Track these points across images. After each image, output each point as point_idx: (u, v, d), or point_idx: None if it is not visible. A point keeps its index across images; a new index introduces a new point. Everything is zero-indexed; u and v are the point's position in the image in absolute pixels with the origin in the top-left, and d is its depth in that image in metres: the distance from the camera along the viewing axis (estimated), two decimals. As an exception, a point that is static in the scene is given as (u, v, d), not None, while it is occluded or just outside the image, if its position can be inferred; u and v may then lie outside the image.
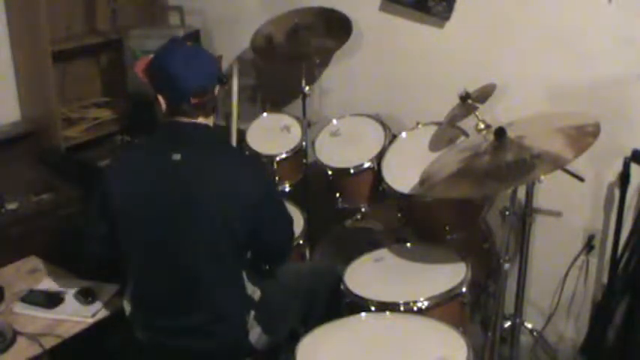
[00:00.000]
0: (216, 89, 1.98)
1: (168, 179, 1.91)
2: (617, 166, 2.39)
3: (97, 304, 2.27)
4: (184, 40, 2.07)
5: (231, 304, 2.02)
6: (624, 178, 2.34)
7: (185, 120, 1.94)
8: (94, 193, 2.01)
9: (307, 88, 2.89)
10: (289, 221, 2.12)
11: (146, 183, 1.94)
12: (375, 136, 2.71)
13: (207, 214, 1.91)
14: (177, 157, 1.91)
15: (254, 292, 2.11)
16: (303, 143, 2.86)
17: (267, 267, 2.17)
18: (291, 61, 2.96)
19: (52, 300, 2.29)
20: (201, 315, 1.98)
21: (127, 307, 2.10)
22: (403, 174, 2.44)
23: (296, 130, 2.93)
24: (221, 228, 1.93)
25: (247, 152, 2.85)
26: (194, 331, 1.99)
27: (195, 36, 3.26)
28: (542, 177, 1.92)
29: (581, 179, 2.28)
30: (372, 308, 2.12)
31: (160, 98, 1.94)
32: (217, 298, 1.99)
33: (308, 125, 2.91)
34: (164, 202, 1.92)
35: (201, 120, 1.96)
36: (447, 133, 2.53)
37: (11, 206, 2.73)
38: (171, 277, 1.96)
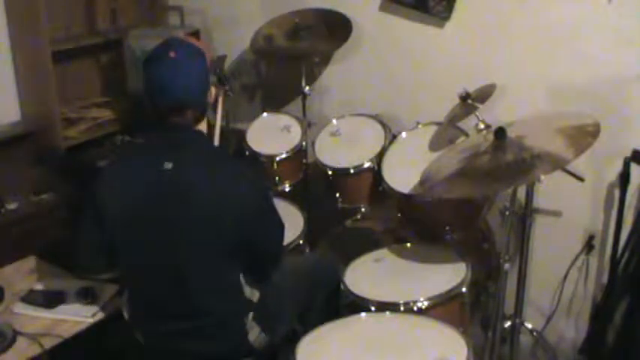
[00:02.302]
0: (210, 94, 1.97)
1: (160, 188, 1.90)
2: (617, 166, 2.39)
3: (97, 304, 2.27)
4: (180, 42, 2.00)
5: (229, 307, 2.01)
6: (624, 178, 2.34)
7: (176, 127, 1.92)
8: (88, 204, 1.99)
9: (307, 88, 2.89)
10: (282, 229, 2.10)
11: (139, 193, 1.92)
12: (375, 136, 2.71)
13: (201, 221, 1.89)
14: (168, 165, 1.89)
15: (252, 294, 2.11)
16: (303, 143, 2.86)
17: (260, 275, 2.13)
18: (291, 61, 2.96)
19: (52, 300, 2.29)
20: (200, 318, 1.97)
21: (126, 312, 2.10)
22: (403, 174, 2.44)
23: (296, 130, 2.93)
24: (216, 235, 1.91)
25: (247, 152, 2.85)
26: (193, 334, 1.98)
27: (195, 36, 3.26)
28: (542, 177, 1.92)
29: (581, 179, 2.28)
30: (372, 308, 2.12)
31: (148, 101, 1.93)
32: (215, 302, 1.98)
33: (308, 125, 2.91)
34: (158, 211, 1.90)
35: (191, 126, 1.94)
36: (447, 133, 2.53)
37: (11, 206, 2.73)
38: (169, 283, 1.95)
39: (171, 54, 1.87)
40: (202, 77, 1.93)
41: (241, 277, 2.06)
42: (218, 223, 1.89)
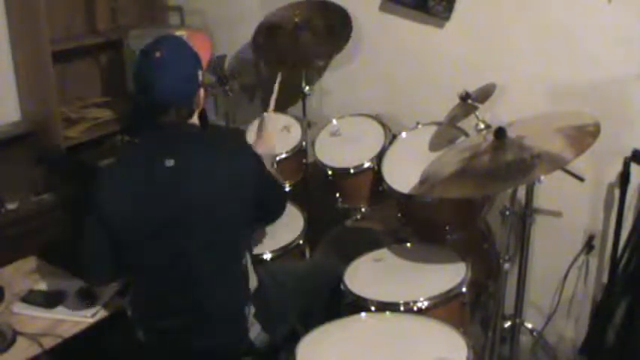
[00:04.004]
0: (196, 97, 1.95)
1: (163, 185, 1.91)
2: (617, 166, 2.39)
3: (97, 304, 2.27)
4: (171, 40, 2.00)
5: (231, 303, 2.03)
6: (624, 178, 2.34)
7: (165, 124, 1.92)
8: (90, 210, 1.99)
9: (307, 88, 2.89)
10: (281, 184, 2.21)
11: (141, 191, 1.92)
12: (375, 136, 2.71)
13: (207, 215, 1.91)
14: (170, 163, 1.90)
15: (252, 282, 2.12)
16: (303, 143, 2.86)
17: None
18: (291, 62, 2.96)
19: (52, 300, 2.29)
20: (202, 314, 1.98)
21: (129, 309, 2.11)
22: (403, 174, 2.44)
23: (296, 130, 2.93)
24: (222, 226, 1.93)
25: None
26: (195, 330, 1.99)
27: (195, 36, 3.26)
28: (542, 177, 1.92)
29: (581, 179, 2.28)
30: (372, 308, 2.12)
31: (140, 99, 1.94)
32: (218, 298, 1.99)
33: (308, 125, 2.91)
34: (161, 207, 1.91)
35: (179, 122, 1.94)
36: (447, 133, 2.53)
37: (11, 206, 2.73)
38: (173, 279, 1.96)
39: (157, 54, 1.87)
40: (189, 78, 1.91)
41: (248, 262, 2.08)
42: (223, 213, 1.92)
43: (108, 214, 1.94)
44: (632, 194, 2.42)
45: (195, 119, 2.00)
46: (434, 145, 2.52)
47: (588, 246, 2.59)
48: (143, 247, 1.95)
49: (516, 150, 2.00)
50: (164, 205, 1.91)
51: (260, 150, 2.27)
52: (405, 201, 2.45)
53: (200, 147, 1.97)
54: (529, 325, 2.64)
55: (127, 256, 1.99)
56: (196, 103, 1.96)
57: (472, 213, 2.45)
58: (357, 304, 2.14)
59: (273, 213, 2.22)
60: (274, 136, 2.49)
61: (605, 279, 2.55)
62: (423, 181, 2.24)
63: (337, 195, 2.69)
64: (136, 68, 1.92)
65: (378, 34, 2.93)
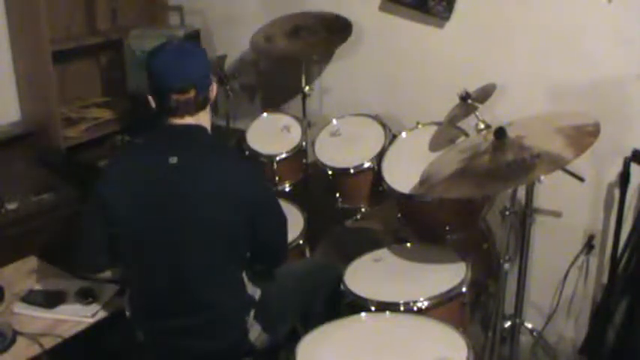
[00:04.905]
0: (210, 89, 1.98)
1: (164, 183, 1.91)
2: (617, 166, 2.39)
3: (97, 304, 2.28)
4: (183, 40, 2.07)
5: (231, 303, 2.02)
6: (624, 178, 2.34)
7: (177, 121, 1.93)
8: (90, 202, 2.00)
9: (307, 88, 2.89)
10: (285, 222, 2.11)
11: (143, 188, 1.93)
12: (375, 136, 2.71)
13: (204, 215, 1.91)
14: (173, 160, 1.90)
15: (255, 292, 2.11)
16: (303, 143, 2.86)
17: (264, 268, 2.16)
18: (291, 61, 2.96)
19: (52, 300, 2.29)
20: (202, 315, 1.98)
21: (128, 309, 2.11)
22: (403, 174, 2.44)
23: (296, 130, 2.93)
24: (218, 229, 1.93)
25: (247, 152, 2.85)
26: (194, 331, 1.99)
27: (195, 36, 3.26)
28: (542, 177, 1.92)
29: (581, 179, 2.27)
30: (372, 308, 2.12)
31: (149, 96, 1.95)
32: (217, 298, 1.99)
33: (308, 125, 2.91)
34: (161, 205, 1.92)
35: (188, 119, 1.94)
36: (447, 133, 2.53)
37: (11, 206, 2.73)
38: (171, 278, 1.96)
39: (174, 42, 1.98)
40: (205, 64, 1.98)
41: (244, 275, 2.07)
42: (223, 216, 1.92)
43: (111, 210, 1.94)
44: (632, 194, 2.42)
45: (207, 118, 2.00)
46: (434, 145, 2.52)
47: (588, 246, 2.59)
48: (143, 245, 1.95)
49: (516, 150, 2.00)
50: (166, 203, 1.91)
51: None
52: (405, 201, 2.45)
53: (204, 147, 1.97)
54: (529, 325, 2.64)
55: (126, 255, 2.00)
56: (210, 94, 1.99)
57: (472, 213, 2.45)
58: (357, 304, 2.14)
59: (269, 246, 2.10)
60: None
61: (605, 279, 2.55)
62: (423, 181, 2.24)
63: (337, 195, 2.69)
64: (150, 61, 1.93)
65: (378, 34, 2.93)
